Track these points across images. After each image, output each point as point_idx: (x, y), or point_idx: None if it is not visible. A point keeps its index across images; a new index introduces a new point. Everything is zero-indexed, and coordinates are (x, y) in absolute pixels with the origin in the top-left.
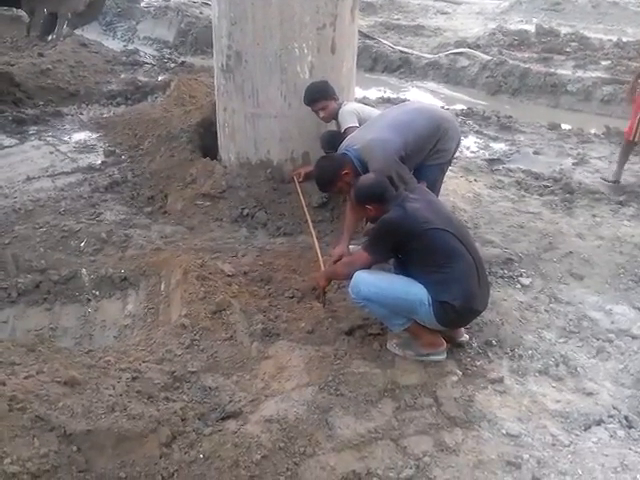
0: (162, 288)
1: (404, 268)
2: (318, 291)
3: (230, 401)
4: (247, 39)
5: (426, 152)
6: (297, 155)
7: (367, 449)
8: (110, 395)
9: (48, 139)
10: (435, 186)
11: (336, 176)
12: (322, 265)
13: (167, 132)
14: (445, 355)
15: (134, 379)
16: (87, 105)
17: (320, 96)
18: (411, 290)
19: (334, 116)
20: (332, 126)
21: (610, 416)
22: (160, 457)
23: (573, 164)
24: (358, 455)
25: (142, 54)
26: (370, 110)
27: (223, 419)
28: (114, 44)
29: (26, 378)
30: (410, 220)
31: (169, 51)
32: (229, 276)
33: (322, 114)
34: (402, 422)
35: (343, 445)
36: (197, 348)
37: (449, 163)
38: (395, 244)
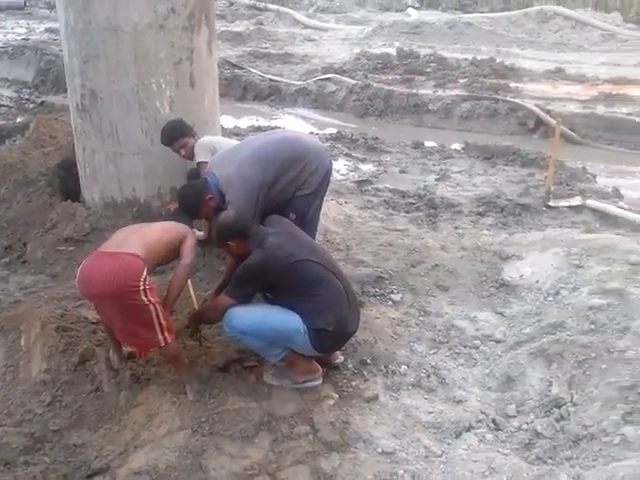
0: (22, 343)
1: (275, 302)
2: (191, 331)
3: (97, 457)
4: (101, 77)
5: (289, 185)
6: (165, 191)
7: None
8: None
9: None
10: (304, 218)
11: (200, 202)
12: (195, 302)
13: (24, 177)
14: (321, 380)
15: None
16: None
17: (176, 135)
18: (286, 320)
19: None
20: None
21: (478, 421)
22: None
23: (436, 180)
24: None
25: None
26: (228, 142)
27: (89, 477)
28: None
29: None
30: (272, 260)
31: (29, 91)
32: (94, 323)
33: (182, 152)
34: (279, 454)
35: None
36: (59, 404)
37: (316, 194)
38: (261, 285)
